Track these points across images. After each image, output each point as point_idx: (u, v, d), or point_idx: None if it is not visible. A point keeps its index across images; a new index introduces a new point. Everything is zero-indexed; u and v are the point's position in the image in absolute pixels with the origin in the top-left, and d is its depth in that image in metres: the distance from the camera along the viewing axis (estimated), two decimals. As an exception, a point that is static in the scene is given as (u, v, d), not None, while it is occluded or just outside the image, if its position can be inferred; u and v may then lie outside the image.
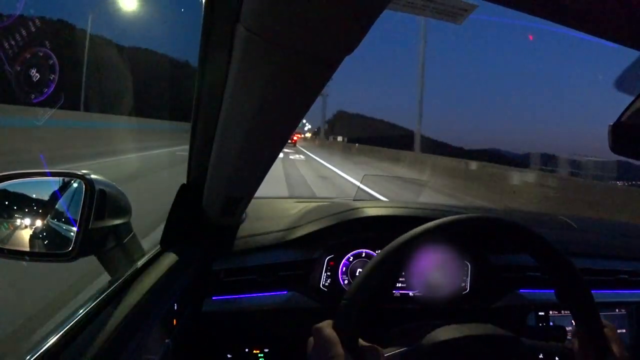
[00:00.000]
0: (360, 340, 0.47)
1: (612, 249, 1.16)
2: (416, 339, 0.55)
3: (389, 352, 0.53)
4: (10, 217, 0.60)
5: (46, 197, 0.63)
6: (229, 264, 0.89)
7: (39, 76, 0.62)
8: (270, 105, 0.49)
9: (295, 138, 35.45)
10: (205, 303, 0.85)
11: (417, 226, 0.52)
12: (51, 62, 0.62)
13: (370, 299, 0.47)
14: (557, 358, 0.57)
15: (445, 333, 0.55)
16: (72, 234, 0.58)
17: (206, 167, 0.70)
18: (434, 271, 0.96)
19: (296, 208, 1.10)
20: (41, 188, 0.63)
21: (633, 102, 0.48)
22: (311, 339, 0.48)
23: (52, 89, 0.63)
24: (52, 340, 0.45)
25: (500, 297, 0.98)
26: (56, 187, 0.63)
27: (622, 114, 0.49)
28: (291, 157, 16.37)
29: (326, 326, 0.47)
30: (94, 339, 0.47)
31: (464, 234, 0.52)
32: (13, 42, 0.60)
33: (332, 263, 0.95)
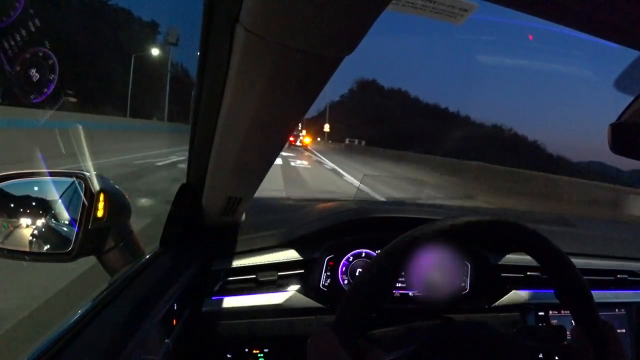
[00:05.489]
0: (360, 342, 0.47)
1: (612, 249, 1.16)
2: (415, 339, 0.55)
3: (388, 354, 0.53)
4: (10, 217, 0.60)
5: (46, 197, 0.63)
6: (229, 264, 0.89)
7: (38, 76, 0.62)
8: (270, 105, 0.49)
9: (307, 140, 27.33)
10: (205, 303, 0.85)
11: (417, 226, 0.52)
12: (51, 62, 0.62)
13: (369, 300, 0.47)
14: (557, 358, 0.57)
15: (444, 333, 0.55)
16: (71, 234, 0.58)
17: (206, 167, 0.70)
18: (434, 271, 0.96)
19: (296, 208, 1.10)
20: (41, 188, 0.63)
21: (633, 102, 0.48)
22: (310, 340, 0.48)
23: (51, 89, 0.63)
24: (52, 340, 0.45)
25: (500, 297, 0.98)
26: (56, 187, 0.63)
27: (622, 114, 0.49)
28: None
29: (325, 328, 0.47)
30: (94, 339, 0.47)
31: (464, 234, 0.52)
32: (13, 42, 0.60)
33: (331, 263, 0.95)
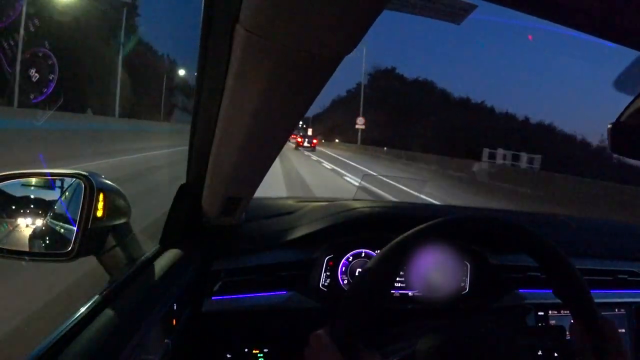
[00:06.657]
0: (359, 346, 0.47)
1: (612, 249, 1.16)
2: (413, 341, 0.55)
3: (387, 358, 0.52)
4: (10, 217, 0.60)
5: (46, 197, 0.63)
6: (229, 264, 0.89)
7: (38, 76, 0.62)
8: (269, 105, 0.49)
9: (314, 140, 25.15)
10: (205, 303, 0.85)
11: (416, 226, 0.52)
12: (50, 62, 0.62)
13: (368, 301, 0.47)
14: (555, 355, 0.57)
15: (443, 335, 0.55)
16: (71, 234, 0.58)
17: (206, 167, 0.70)
18: (434, 271, 0.96)
19: (296, 208, 1.10)
20: (41, 188, 0.63)
21: (633, 102, 0.48)
22: (308, 346, 0.48)
23: (51, 89, 0.63)
24: (52, 340, 0.45)
25: (500, 297, 0.98)
26: (56, 187, 0.63)
27: (622, 114, 0.49)
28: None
29: (323, 334, 0.47)
30: (94, 339, 0.47)
31: (463, 234, 0.53)
32: (13, 42, 0.60)
33: (331, 263, 0.95)
